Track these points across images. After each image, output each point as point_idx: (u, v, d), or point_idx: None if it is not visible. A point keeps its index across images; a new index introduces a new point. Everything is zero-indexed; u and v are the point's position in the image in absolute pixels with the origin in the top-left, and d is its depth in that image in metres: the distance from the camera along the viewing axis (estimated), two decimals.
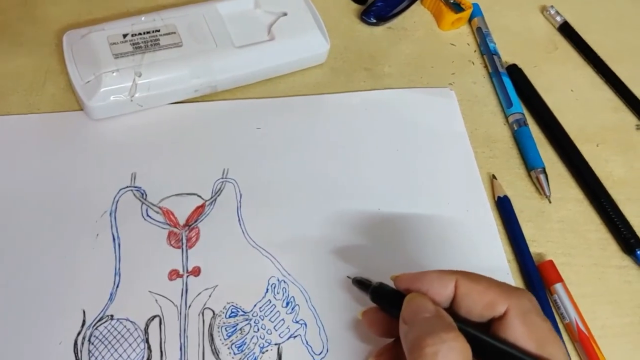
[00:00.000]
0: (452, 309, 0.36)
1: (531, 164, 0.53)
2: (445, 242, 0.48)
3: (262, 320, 0.43)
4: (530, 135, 0.55)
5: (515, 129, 0.55)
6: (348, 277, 0.43)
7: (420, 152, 0.53)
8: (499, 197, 0.51)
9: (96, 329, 0.41)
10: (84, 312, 0.42)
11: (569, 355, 0.38)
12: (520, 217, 0.50)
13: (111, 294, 0.43)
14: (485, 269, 0.38)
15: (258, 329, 0.43)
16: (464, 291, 0.35)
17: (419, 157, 0.53)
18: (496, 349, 0.34)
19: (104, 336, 0.41)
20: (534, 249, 0.49)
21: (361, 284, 0.40)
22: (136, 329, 0.42)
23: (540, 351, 0.33)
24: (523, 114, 0.56)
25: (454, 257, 0.48)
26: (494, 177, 0.52)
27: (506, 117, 0.57)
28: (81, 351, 0.41)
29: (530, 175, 0.53)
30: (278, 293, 0.44)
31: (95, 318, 0.42)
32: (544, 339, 0.34)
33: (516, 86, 0.58)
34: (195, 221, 0.47)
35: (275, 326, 0.43)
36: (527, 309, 0.35)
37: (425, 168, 0.52)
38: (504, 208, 0.50)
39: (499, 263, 0.48)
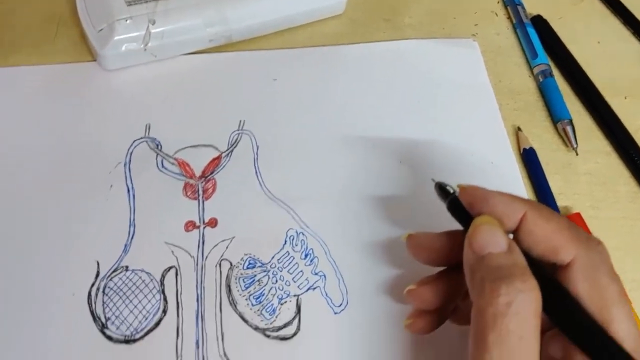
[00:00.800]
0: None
1: (557, 116, 0.51)
2: None
3: (281, 271, 0.42)
4: (556, 86, 0.53)
5: (541, 80, 0.53)
6: (432, 179, 0.37)
7: (442, 103, 0.51)
8: (524, 149, 0.49)
9: (110, 280, 0.40)
10: (97, 263, 0.41)
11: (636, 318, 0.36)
12: (546, 170, 0.48)
13: (125, 245, 0.42)
14: None
15: (276, 281, 0.41)
16: (530, 228, 0.32)
17: (441, 109, 0.51)
18: (562, 301, 0.31)
19: (118, 287, 0.40)
20: (560, 202, 0.47)
21: (442, 190, 0.36)
22: (152, 280, 0.41)
23: (601, 314, 0.30)
24: (549, 65, 0.54)
25: None
26: (519, 129, 0.50)
27: (531, 69, 0.55)
28: (95, 302, 0.40)
29: (556, 128, 0.51)
30: (296, 245, 0.43)
31: (110, 269, 0.41)
32: (607, 301, 0.30)
33: (541, 38, 0.56)
34: (212, 173, 0.45)
35: (293, 278, 0.42)
36: (595, 264, 0.31)
37: (448, 120, 0.50)
38: (529, 160, 0.49)
39: None
